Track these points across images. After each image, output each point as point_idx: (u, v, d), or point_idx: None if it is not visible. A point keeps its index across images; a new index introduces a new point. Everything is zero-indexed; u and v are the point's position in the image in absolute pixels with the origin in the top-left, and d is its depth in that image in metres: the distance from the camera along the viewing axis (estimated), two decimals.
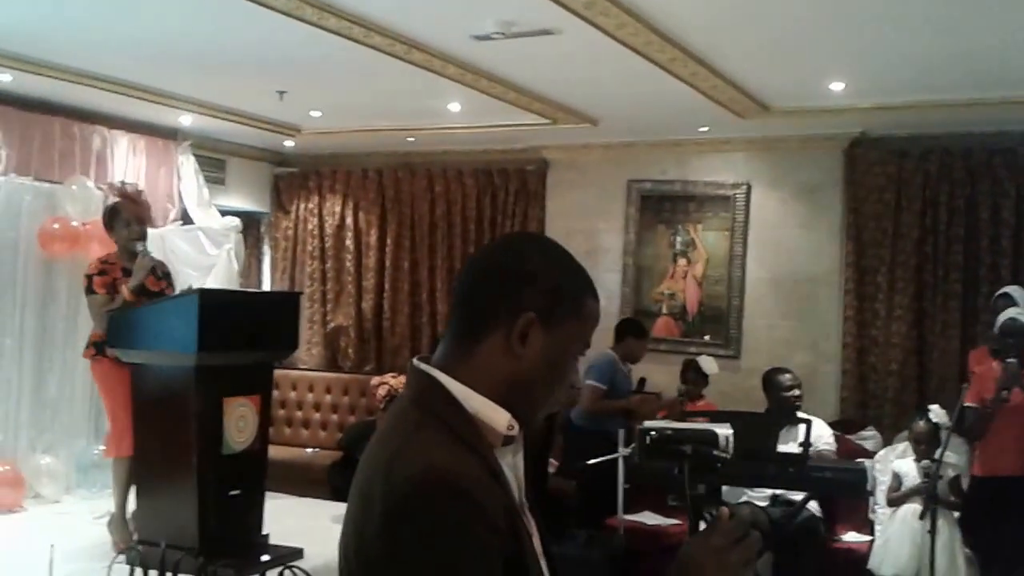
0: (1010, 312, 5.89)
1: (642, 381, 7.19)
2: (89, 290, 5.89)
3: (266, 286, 10.34)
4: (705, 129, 7.96)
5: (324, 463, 8.49)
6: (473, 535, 1.33)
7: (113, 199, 6.35)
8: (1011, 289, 6.30)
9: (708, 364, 7.49)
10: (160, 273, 6.08)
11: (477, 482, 1.37)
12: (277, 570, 5.16)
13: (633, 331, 7.41)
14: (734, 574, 1.50)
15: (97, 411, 7.48)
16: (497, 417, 1.49)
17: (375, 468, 1.41)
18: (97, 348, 5.85)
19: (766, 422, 6.11)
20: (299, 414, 9.59)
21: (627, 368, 7.38)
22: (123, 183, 6.55)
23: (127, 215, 6.04)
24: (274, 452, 5.85)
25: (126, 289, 5.80)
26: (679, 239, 8.54)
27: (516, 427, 1.51)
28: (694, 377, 7.50)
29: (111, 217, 6.09)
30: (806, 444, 5.63)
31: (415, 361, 1.57)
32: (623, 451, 6.30)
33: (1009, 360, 5.66)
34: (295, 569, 5.12)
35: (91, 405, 7.63)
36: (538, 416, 1.58)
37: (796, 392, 6.49)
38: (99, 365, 5.89)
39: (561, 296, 1.52)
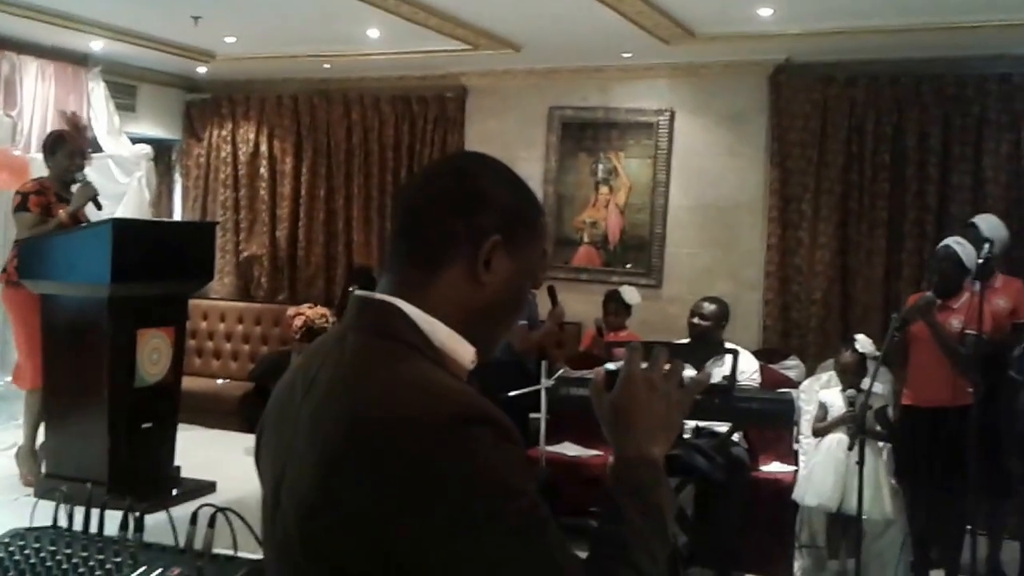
0: (948, 240, 5.83)
1: (551, 290, 6.84)
2: (22, 207, 5.80)
3: (177, 215, 10.15)
4: (628, 55, 7.87)
5: (236, 394, 8.52)
6: (523, 465, 1.29)
7: (61, 126, 6.34)
8: (979, 219, 6.12)
9: (630, 294, 7.46)
10: (98, 204, 6.01)
11: (500, 413, 1.30)
12: (190, 505, 5.05)
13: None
14: (671, 404, 1.51)
15: (3, 340, 7.46)
16: (462, 350, 1.44)
17: (351, 409, 1.31)
18: (20, 273, 5.68)
19: (689, 352, 6.04)
20: (210, 344, 9.56)
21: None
22: (73, 113, 6.48)
23: (73, 146, 6.06)
24: (185, 384, 5.76)
25: (63, 212, 5.76)
26: (601, 167, 8.46)
27: (476, 362, 1.46)
28: (615, 307, 7.47)
29: (56, 144, 6.07)
30: (732, 375, 5.57)
31: (362, 293, 1.47)
32: (546, 382, 6.23)
33: (928, 293, 5.66)
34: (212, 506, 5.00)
35: None
36: (496, 348, 1.51)
37: (699, 321, 6.37)
38: (14, 292, 5.80)
39: (520, 215, 1.48)
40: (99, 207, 6.02)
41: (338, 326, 1.49)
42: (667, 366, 1.52)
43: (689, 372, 1.55)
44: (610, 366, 1.63)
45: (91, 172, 7.84)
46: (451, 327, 1.42)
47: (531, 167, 8.53)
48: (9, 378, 6.72)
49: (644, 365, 1.51)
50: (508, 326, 1.51)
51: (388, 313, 1.41)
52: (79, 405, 5.29)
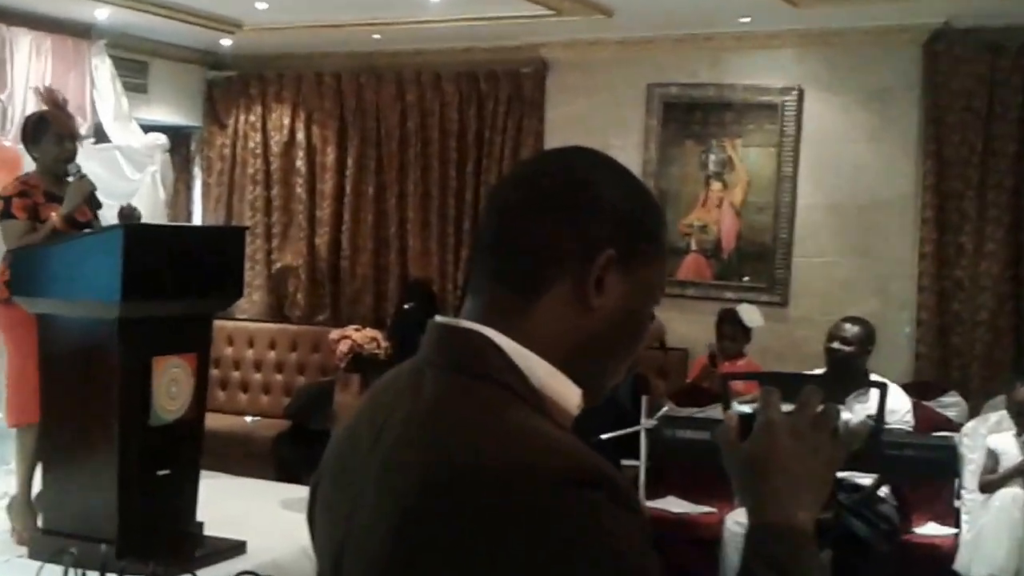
0: None
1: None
2: (5, 214, 5.83)
3: (197, 218, 10.29)
4: (746, 20, 7.87)
5: (268, 435, 8.54)
6: (644, 537, 1.28)
7: (41, 107, 6.35)
8: None
9: (750, 314, 7.44)
10: (97, 202, 6.05)
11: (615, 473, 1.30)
12: (216, 569, 5.12)
13: None
14: (820, 460, 1.49)
15: None
16: (566, 393, 1.43)
17: (431, 459, 1.31)
18: (11, 290, 5.76)
19: (825, 386, 5.98)
20: (236, 374, 9.57)
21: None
22: (51, 88, 6.53)
23: (59, 129, 6.04)
24: (208, 422, 5.86)
25: (56, 216, 5.77)
26: (712, 158, 8.43)
27: (582, 406, 1.46)
28: (731, 331, 7.47)
29: (37, 129, 6.06)
30: (879, 415, 5.49)
31: (443, 319, 1.48)
32: (646, 422, 6.21)
33: None
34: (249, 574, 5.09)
35: None
36: (607, 389, 1.52)
37: (838, 346, 6.33)
38: (5, 311, 5.83)
39: (640, 224, 1.47)
40: (98, 206, 6.05)
41: (411, 361, 1.48)
42: (817, 409, 1.50)
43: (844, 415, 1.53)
44: (744, 408, 1.61)
45: (95, 166, 7.94)
46: (553, 363, 1.41)
47: (626, 158, 8.39)
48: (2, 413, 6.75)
49: (787, 408, 1.50)
50: (622, 362, 1.51)
51: (477, 345, 1.40)
52: (83, 447, 5.28)
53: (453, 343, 1.43)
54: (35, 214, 5.81)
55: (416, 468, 1.31)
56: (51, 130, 6.00)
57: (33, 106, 7.80)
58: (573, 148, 1.53)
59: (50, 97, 6.33)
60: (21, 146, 7.52)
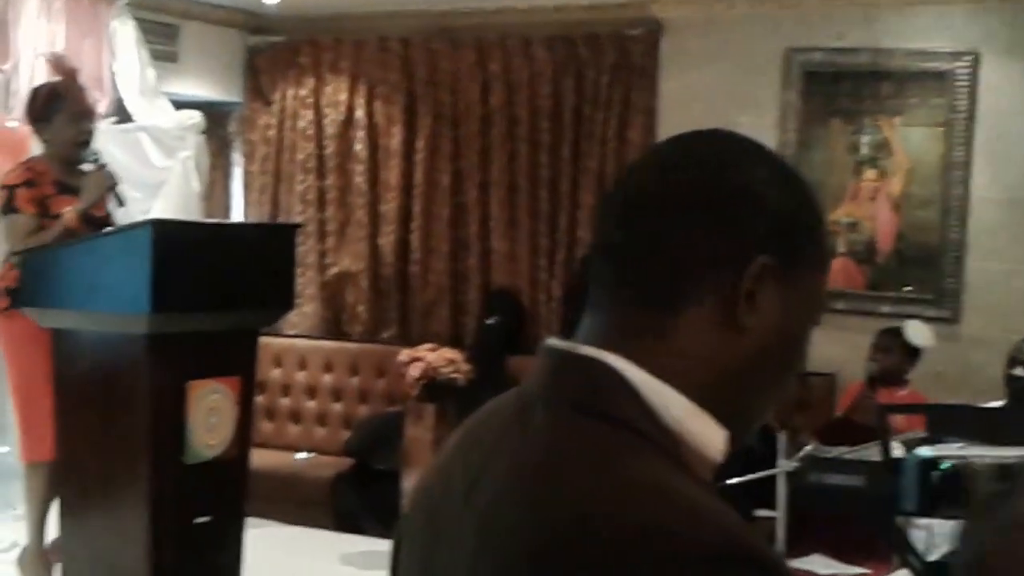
0: None
1: None
2: (8, 208, 5.96)
3: (238, 213, 10.38)
4: None
5: (324, 475, 8.55)
6: None
7: (52, 79, 6.51)
8: None
9: (918, 332, 7.33)
10: (120, 197, 6.24)
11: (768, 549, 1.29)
12: None
13: None
14: None
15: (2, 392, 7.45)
16: (710, 436, 1.40)
17: (543, 518, 1.29)
18: (12, 297, 5.85)
19: (1008, 422, 5.95)
20: (286, 402, 9.64)
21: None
22: (63, 56, 6.56)
23: (75, 106, 6.16)
24: (254, 460, 6.00)
25: (70, 213, 5.86)
26: (866, 139, 8.41)
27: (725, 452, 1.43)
28: (894, 352, 7.36)
29: (49, 105, 6.16)
30: None
31: (557, 343, 1.45)
32: (784, 464, 6.19)
33: None
34: None
35: None
36: (755, 430, 1.51)
37: (1023, 372, 6.32)
38: (10, 324, 5.94)
39: (800, 225, 1.45)
40: (121, 203, 6.19)
41: (516, 394, 1.48)
42: None
43: None
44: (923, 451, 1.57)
45: (114, 151, 8.00)
46: (691, 398, 1.38)
47: (758, 139, 8.50)
48: (8, 448, 6.82)
49: (956, 447, 1.48)
50: (773, 397, 1.49)
51: (600, 378, 1.38)
52: (107, 488, 5.36)
53: (570, 374, 1.41)
54: (44, 208, 5.93)
55: (522, 532, 1.29)
56: (66, 107, 6.10)
57: (42, 78, 7.88)
58: (715, 131, 1.52)
59: (63, 67, 6.38)
60: (28, 127, 7.63)
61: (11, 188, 5.94)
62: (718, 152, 1.48)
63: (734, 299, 1.38)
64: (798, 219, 1.45)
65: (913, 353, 7.34)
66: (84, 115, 6.14)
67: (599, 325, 1.43)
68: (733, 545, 1.24)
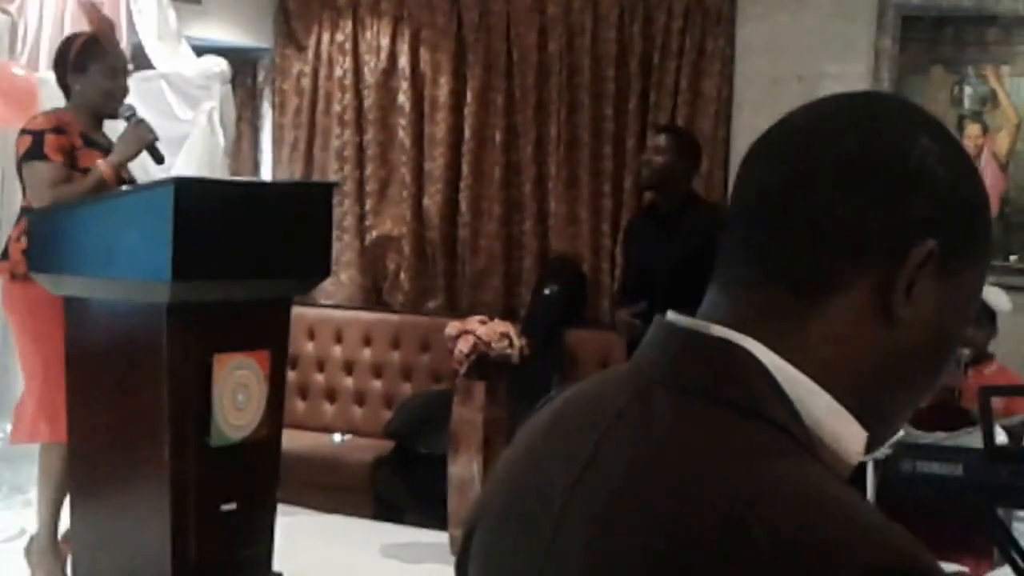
0: None
1: None
2: (35, 154, 5.94)
3: (267, 171, 10.40)
4: None
5: (364, 459, 8.68)
6: None
7: (88, 28, 6.63)
8: None
9: (1000, 298, 7.24)
10: (158, 153, 6.24)
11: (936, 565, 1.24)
12: None
13: None
14: None
15: (3, 368, 7.66)
16: (849, 437, 1.37)
17: (688, 525, 1.25)
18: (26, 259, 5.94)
19: None
20: (320, 379, 9.71)
21: None
22: (96, 5, 6.72)
23: (113, 59, 6.28)
24: (285, 441, 6.13)
25: (103, 163, 5.90)
26: (969, 91, 8.37)
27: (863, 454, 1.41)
28: (982, 325, 7.19)
29: (87, 55, 6.21)
30: None
31: (682, 320, 1.43)
32: (877, 451, 6.01)
33: None
34: None
35: None
36: (896, 433, 1.51)
37: None
38: (19, 289, 6.00)
39: (969, 210, 1.42)
40: (159, 160, 6.25)
41: (623, 371, 1.47)
42: None
43: None
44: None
45: (133, 102, 8.18)
46: (832, 393, 1.35)
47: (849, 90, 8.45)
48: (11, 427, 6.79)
49: None
50: (918, 398, 1.45)
51: (737, 365, 1.35)
52: (125, 473, 5.47)
53: (699, 356, 1.38)
54: (72, 159, 5.96)
55: (664, 529, 1.27)
56: (105, 59, 6.20)
57: (54, 23, 8.12)
58: (871, 94, 1.51)
59: (99, 16, 6.69)
60: (37, 74, 7.57)
61: (38, 133, 5.95)
62: (880, 118, 1.43)
63: (890, 286, 1.36)
64: (968, 204, 1.41)
65: (993, 319, 7.24)
66: (122, 70, 6.27)
67: (731, 306, 1.41)
68: (903, 556, 1.20)
